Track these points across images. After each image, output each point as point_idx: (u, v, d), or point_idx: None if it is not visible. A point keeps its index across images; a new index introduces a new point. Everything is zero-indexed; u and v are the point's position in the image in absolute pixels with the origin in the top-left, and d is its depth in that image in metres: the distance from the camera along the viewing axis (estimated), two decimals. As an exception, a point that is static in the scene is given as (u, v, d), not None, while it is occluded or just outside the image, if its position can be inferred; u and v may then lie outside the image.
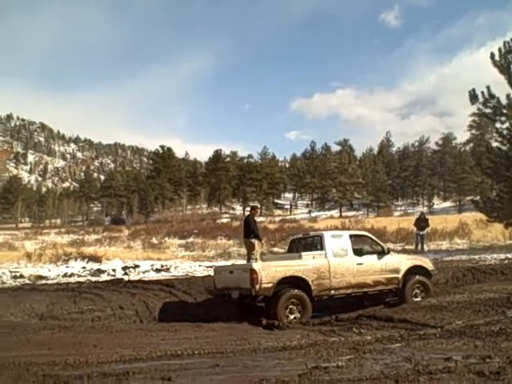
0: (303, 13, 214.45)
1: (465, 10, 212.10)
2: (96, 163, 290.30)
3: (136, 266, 20.02)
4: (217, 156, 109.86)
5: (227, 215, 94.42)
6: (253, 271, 10.67)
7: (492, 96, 24.22)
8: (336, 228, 36.33)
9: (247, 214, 16.71)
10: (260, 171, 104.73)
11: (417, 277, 12.61)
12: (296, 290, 11.00)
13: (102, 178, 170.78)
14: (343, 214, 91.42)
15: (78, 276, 18.44)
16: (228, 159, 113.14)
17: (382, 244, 13.06)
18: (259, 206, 64.15)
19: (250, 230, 14.90)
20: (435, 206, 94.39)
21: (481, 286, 11.78)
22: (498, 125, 25.09)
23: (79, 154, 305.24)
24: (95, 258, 23.93)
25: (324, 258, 11.64)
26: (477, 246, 25.61)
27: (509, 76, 24.11)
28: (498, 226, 26.89)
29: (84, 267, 20.66)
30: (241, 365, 6.72)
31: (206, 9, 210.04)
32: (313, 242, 12.81)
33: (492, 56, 24.35)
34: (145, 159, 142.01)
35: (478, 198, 28.21)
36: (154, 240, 36.19)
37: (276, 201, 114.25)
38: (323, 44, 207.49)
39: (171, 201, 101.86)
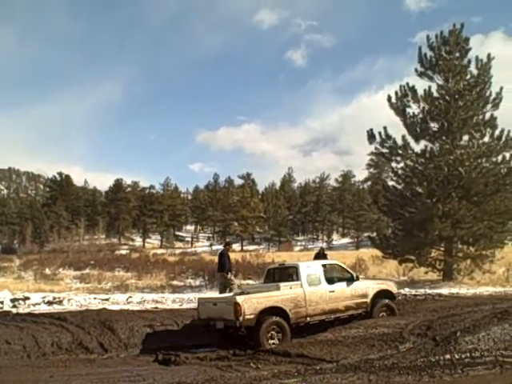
0: (213, 49, 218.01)
1: (365, 53, 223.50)
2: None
3: (26, 298, 18.95)
4: (117, 185, 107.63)
5: (126, 247, 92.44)
6: (236, 304, 11.15)
7: (388, 137, 25.31)
8: (237, 262, 36.35)
9: (222, 249, 18.04)
10: (161, 202, 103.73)
11: (383, 300, 13.46)
12: (276, 318, 11.49)
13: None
14: (244, 247, 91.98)
15: (-39, 308, 17.22)
16: (129, 189, 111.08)
17: (351, 271, 13.90)
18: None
19: (224, 265, 16.15)
20: (334, 242, 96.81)
21: (375, 321, 12.02)
22: (393, 164, 26.23)
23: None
24: (-19, 290, 22.56)
25: (300, 288, 12.21)
26: (372, 281, 26.26)
27: (404, 118, 25.33)
28: (392, 262, 27.82)
29: (-32, 299, 19.38)
30: (134, 402, 6.46)
31: (114, 39, 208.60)
32: (288, 272, 13.38)
33: (389, 99, 25.51)
34: (41, 186, 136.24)
35: (374, 234, 29.12)
36: (48, 271, 34.70)
37: (177, 233, 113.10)
38: (231, 79, 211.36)
39: (68, 230, 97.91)
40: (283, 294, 11.88)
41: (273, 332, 11.36)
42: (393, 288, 14.21)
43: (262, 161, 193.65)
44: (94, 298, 19.61)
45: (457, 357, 8.72)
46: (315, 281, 12.53)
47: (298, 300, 11.97)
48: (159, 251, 75.08)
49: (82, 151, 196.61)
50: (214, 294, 20.20)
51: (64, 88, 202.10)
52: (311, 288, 12.32)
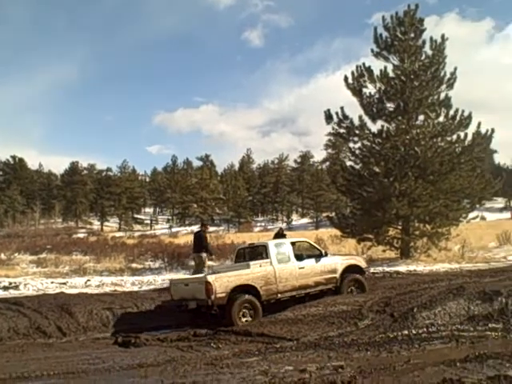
0: (168, 29, 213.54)
1: (322, 33, 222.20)
2: None
3: (-20, 284, 18.58)
4: (73, 168, 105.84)
5: (84, 230, 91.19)
6: (208, 283, 11.33)
7: (346, 117, 25.37)
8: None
9: (198, 229, 18.13)
10: (119, 185, 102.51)
11: (352, 275, 13.78)
12: (247, 296, 11.73)
13: None
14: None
15: None
16: (85, 172, 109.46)
17: (319, 248, 14.37)
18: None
19: (201, 245, 16.34)
20: (294, 222, 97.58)
21: (335, 299, 12.16)
22: (351, 144, 26.25)
23: None
24: None
25: (270, 266, 12.47)
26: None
27: (361, 98, 25.42)
28: (351, 241, 28.07)
29: None
30: (93, 385, 6.40)
31: (69, 17, 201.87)
32: (258, 251, 13.55)
33: (346, 79, 25.55)
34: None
35: (333, 214, 29.27)
36: (3, 256, 33.91)
37: (136, 216, 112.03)
38: (188, 59, 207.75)
39: (23, 214, 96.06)
40: (253, 272, 12.10)
41: (245, 310, 11.57)
42: (361, 263, 14.69)
43: (220, 142, 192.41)
44: (52, 282, 19.30)
45: (414, 332, 8.90)
46: (285, 258, 12.81)
47: (269, 277, 12.22)
48: (118, 234, 74.46)
49: (36, 134, 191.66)
50: (173, 275, 20.13)
51: (14, 68, 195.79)
52: (281, 265, 12.59)
